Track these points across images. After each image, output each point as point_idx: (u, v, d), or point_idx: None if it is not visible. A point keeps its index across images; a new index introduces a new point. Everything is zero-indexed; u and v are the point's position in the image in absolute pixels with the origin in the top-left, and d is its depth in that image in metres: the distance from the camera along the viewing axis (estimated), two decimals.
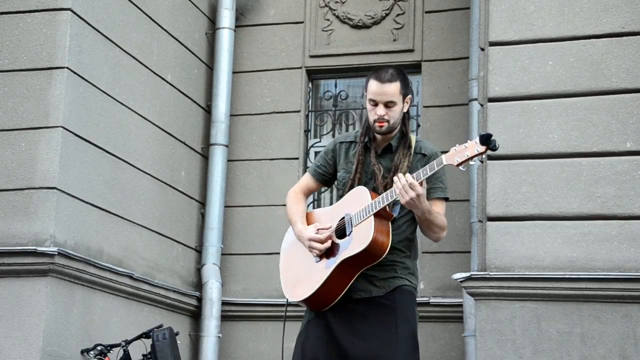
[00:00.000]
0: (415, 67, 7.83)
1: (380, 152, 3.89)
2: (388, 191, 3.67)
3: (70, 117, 6.16)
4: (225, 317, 7.65)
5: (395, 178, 3.62)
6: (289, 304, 4.02)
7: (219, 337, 7.56)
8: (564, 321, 5.50)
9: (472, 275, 5.77)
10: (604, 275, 5.47)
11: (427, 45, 7.78)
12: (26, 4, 6.23)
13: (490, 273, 5.64)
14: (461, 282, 5.81)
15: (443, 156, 3.59)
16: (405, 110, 3.91)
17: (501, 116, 5.83)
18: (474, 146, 3.53)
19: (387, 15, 7.92)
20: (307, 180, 4.10)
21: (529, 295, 5.57)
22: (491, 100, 5.88)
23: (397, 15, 7.90)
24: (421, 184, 3.59)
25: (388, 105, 3.81)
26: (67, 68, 6.14)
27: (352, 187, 3.84)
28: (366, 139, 3.91)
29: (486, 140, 3.48)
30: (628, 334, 5.40)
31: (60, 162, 6.03)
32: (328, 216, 3.88)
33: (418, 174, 3.61)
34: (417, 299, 7.25)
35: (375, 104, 3.81)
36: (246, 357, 7.71)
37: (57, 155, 6.02)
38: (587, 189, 5.62)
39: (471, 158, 3.54)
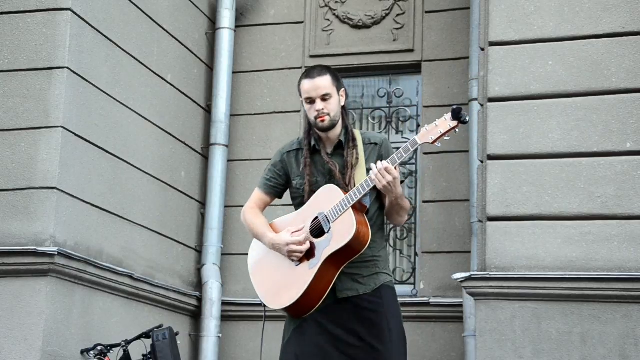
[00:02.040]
0: (415, 67, 7.83)
1: (332, 151, 3.93)
2: (362, 182, 3.71)
3: (70, 117, 6.16)
4: (225, 317, 7.65)
5: (372, 165, 3.68)
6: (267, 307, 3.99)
7: (219, 337, 7.56)
8: (564, 321, 5.50)
9: (472, 275, 5.77)
10: (604, 275, 5.47)
11: (427, 45, 7.78)
12: (26, 4, 6.23)
13: (490, 273, 5.64)
14: (461, 282, 5.81)
15: (416, 137, 3.67)
16: (342, 103, 3.94)
17: (501, 116, 5.83)
18: (445, 122, 3.62)
19: (387, 15, 7.93)
20: (258, 195, 4.11)
21: (529, 295, 5.57)
22: (491, 100, 5.88)
23: (397, 15, 7.90)
24: (396, 168, 3.65)
25: (324, 98, 3.85)
26: (67, 68, 6.14)
27: (312, 191, 3.86)
28: (312, 142, 3.94)
29: (457, 114, 3.57)
30: (628, 334, 5.40)
31: (60, 162, 6.03)
32: (296, 221, 3.89)
33: (392, 158, 3.67)
34: (417, 299, 7.38)
35: (312, 101, 3.86)
36: (246, 357, 7.71)
37: (57, 155, 6.02)
38: (587, 189, 5.62)
39: (445, 134, 3.63)
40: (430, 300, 7.32)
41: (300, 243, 3.79)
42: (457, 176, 7.47)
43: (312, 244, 3.79)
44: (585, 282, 5.50)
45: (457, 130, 3.63)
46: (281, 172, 4.03)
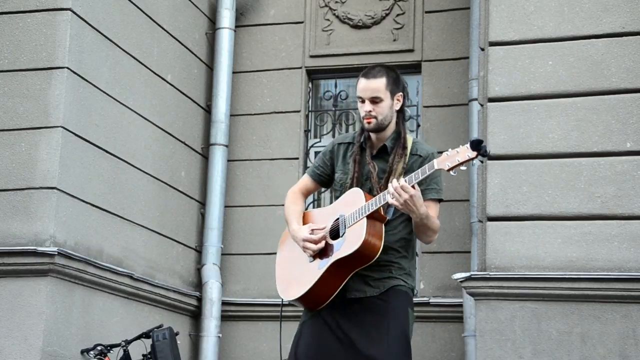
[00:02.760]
0: (415, 67, 7.83)
1: (375, 153, 3.90)
2: (381, 194, 3.68)
3: (70, 117, 6.16)
4: (225, 317, 7.65)
5: (392, 181, 3.62)
6: (284, 304, 4.03)
7: (219, 337, 7.56)
8: (564, 321, 5.50)
9: (472, 275, 5.77)
10: (604, 275, 5.47)
11: (427, 45, 7.78)
12: (26, 4, 6.23)
13: (490, 273, 5.64)
14: (461, 282, 5.81)
15: (435, 160, 3.60)
16: (396, 108, 3.89)
17: (501, 116, 5.83)
18: (465, 151, 3.54)
19: (387, 15, 7.93)
20: (305, 181, 4.12)
21: (529, 295, 5.57)
22: (491, 100, 5.88)
23: (397, 15, 7.90)
24: (413, 187, 3.59)
25: (374, 100, 3.82)
26: (67, 68, 6.14)
27: (349, 187, 3.85)
28: (362, 140, 3.92)
29: (477, 145, 3.50)
30: (628, 334, 5.40)
31: (60, 162, 6.03)
32: (324, 216, 3.89)
33: (410, 177, 3.63)
34: (417, 299, 7.37)
35: (363, 100, 3.84)
36: (246, 357, 7.71)
37: (57, 155, 6.02)
38: (587, 189, 5.62)
39: (462, 163, 3.55)
40: (430, 300, 7.32)
41: (315, 242, 3.80)
42: (457, 176, 7.41)
43: (327, 244, 3.80)
44: (585, 282, 5.50)
45: (474, 162, 3.60)
46: (329, 162, 4.03)
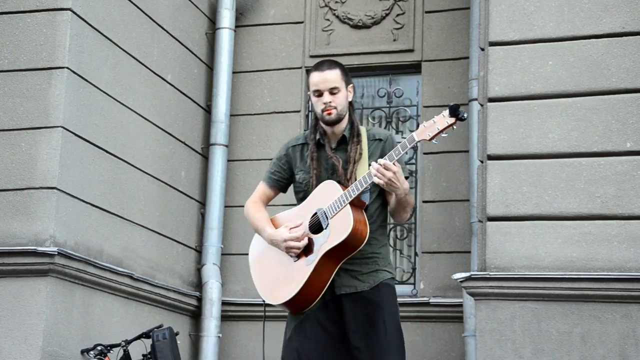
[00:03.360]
0: (415, 67, 7.83)
1: (335, 146, 3.94)
2: (360, 178, 3.72)
3: (70, 117, 6.16)
4: (225, 317, 7.65)
5: (372, 163, 3.67)
6: (267, 305, 4.01)
7: (219, 337, 7.56)
8: (564, 321, 5.50)
9: (472, 275, 5.77)
10: (604, 275, 5.47)
11: (427, 45, 7.78)
12: (26, 4, 6.23)
13: (490, 273, 5.64)
14: (461, 282, 5.81)
15: (413, 134, 3.66)
16: (350, 99, 3.96)
17: (501, 116, 5.83)
18: (442, 119, 3.62)
19: (387, 15, 7.93)
20: (263, 189, 4.13)
21: (529, 295, 5.57)
22: (491, 100, 5.88)
23: (397, 15, 7.90)
24: (394, 164, 3.65)
25: (332, 92, 3.88)
26: (67, 68, 6.14)
27: (314, 185, 3.88)
28: (317, 136, 3.95)
29: (455, 111, 3.57)
30: (628, 334, 5.40)
31: (60, 162, 6.03)
32: (296, 216, 3.90)
33: (390, 155, 3.67)
34: (417, 299, 7.37)
35: (320, 93, 3.88)
36: (246, 357, 7.71)
37: (57, 155, 6.02)
38: (587, 189, 5.62)
39: (442, 131, 3.62)
40: (430, 300, 7.32)
41: (298, 239, 3.81)
42: (457, 176, 7.47)
43: (310, 239, 3.80)
44: (585, 282, 5.50)
45: (454, 127, 3.64)
46: (285, 166, 4.05)
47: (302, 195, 3.96)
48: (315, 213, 3.81)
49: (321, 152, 3.95)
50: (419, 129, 3.66)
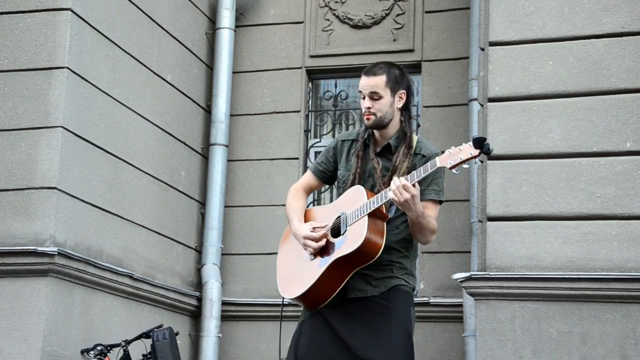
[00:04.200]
0: (415, 67, 7.83)
1: (379, 151, 3.88)
2: (382, 191, 3.65)
3: (70, 117, 6.16)
4: (225, 317, 7.65)
5: (394, 179, 3.60)
6: (285, 304, 4.00)
7: (219, 337, 7.56)
8: (564, 321, 5.50)
9: (472, 275, 5.77)
10: (604, 275, 5.47)
11: (427, 45, 7.78)
12: (26, 4, 6.23)
13: (490, 273, 5.64)
14: (461, 282, 5.81)
15: (437, 159, 3.57)
16: (398, 106, 3.88)
17: (501, 116, 5.83)
18: (467, 149, 3.51)
19: (387, 15, 7.93)
20: (308, 177, 4.09)
21: (529, 295, 5.57)
22: (491, 100, 5.88)
23: (397, 15, 7.90)
24: (414, 185, 3.57)
25: (372, 97, 3.81)
26: (67, 68, 6.14)
27: (352, 184, 3.83)
28: (365, 136, 3.90)
29: (480, 143, 3.47)
30: (628, 334, 5.40)
31: (60, 162, 6.03)
32: (326, 214, 3.87)
33: (412, 175, 3.60)
34: (417, 299, 7.36)
35: (363, 96, 3.83)
36: (246, 357, 7.71)
37: (57, 155, 6.02)
38: (587, 189, 5.62)
39: (464, 161, 3.52)
40: (430, 300, 7.32)
41: (316, 240, 3.77)
42: (457, 176, 7.39)
43: (328, 242, 3.77)
44: (585, 282, 5.50)
45: (477, 160, 3.57)
46: (332, 159, 4.00)
47: (340, 191, 3.92)
48: (339, 216, 3.78)
49: (365, 154, 3.88)
50: (443, 155, 3.56)
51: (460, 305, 7.05)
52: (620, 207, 5.54)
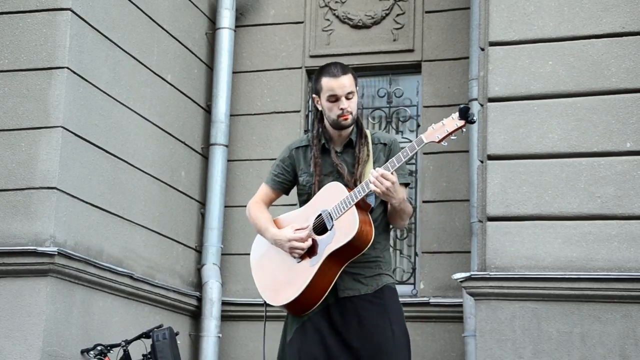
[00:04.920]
0: (415, 67, 7.83)
1: (341, 150, 3.91)
2: (363, 183, 3.68)
3: (70, 117, 6.16)
4: (225, 317, 7.65)
5: (371, 171, 3.64)
6: (268, 305, 3.97)
7: (219, 337, 7.56)
8: (564, 321, 5.50)
9: (472, 275, 5.77)
10: (604, 275, 5.47)
11: (427, 45, 7.78)
12: (26, 4, 6.23)
13: (490, 273, 5.64)
14: (461, 282, 5.81)
15: (422, 135, 3.62)
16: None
17: (501, 116, 5.83)
18: (452, 121, 3.58)
19: (387, 15, 7.93)
20: (265, 190, 4.09)
21: (529, 295, 5.57)
22: (491, 100, 5.88)
23: (397, 15, 7.90)
24: (393, 173, 3.62)
25: (348, 97, 3.83)
26: (67, 68, 6.14)
27: (316, 190, 3.84)
28: (323, 141, 3.92)
29: (465, 113, 3.53)
30: (628, 334, 5.40)
31: (60, 162, 6.03)
32: (300, 218, 3.87)
33: (398, 157, 3.63)
34: (417, 299, 7.38)
35: (337, 98, 3.82)
36: (246, 357, 7.71)
37: (57, 155, 6.02)
38: (587, 189, 5.62)
39: (451, 133, 3.58)
40: (430, 300, 7.32)
41: (303, 240, 3.77)
42: (457, 176, 7.47)
43: (314, 241, 3.76)
44: (585, 282, 5.50)
45: (464, 130, 3.60)
46: (289, 168, 4.01)
47: (305, 197, 3.93)
48: (320, 214, 3.78)
49: (325, 157, 3.91)
50: (428, 131, 3.61)
51: (460, 305, 7.05)
52: (620, 207, 5.54)
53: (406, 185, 3.88)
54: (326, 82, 3.84)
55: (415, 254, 7.63)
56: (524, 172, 5.74)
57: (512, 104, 5.83)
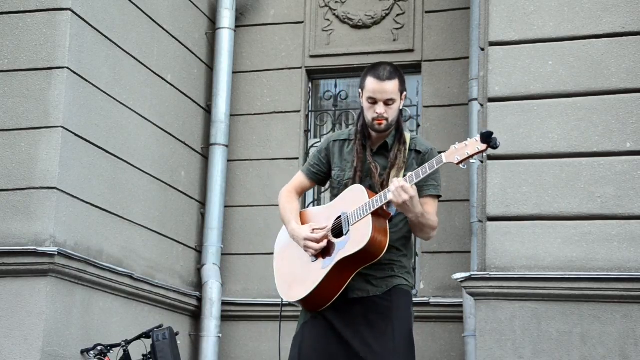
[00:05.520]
0: (415, 67, 7.83)
1: (375, 150, 3.87)
2: (383, 191, 3.64)
3: (70, 117, 6.16)
4: (225, 317, 7.65)
5: (392, 180, 3.60)
6: (284, 304, 3.97)
7: (219, 337, 7.56)
8: (564, 321, 5.50)
9: (472, 275, 5.77)
10: (604, 275, 5.47)
11: (427, 45, 7.78)
12: (26, 4, 6.23)
13: (490, 273, 5.64)
14: (461, 282, 5.81)
15: (443, 155, 3.56)
16: (401, 107, 3.86)
17: (501, 116, 5.83)
18: (474, 144, 3.50)
19: (387, 15, 7.93)
20: (300, 179, 4.05)
21: (529, 295, 5.57)
22: (491, 100, 5.88)
23: (397, 15, 7.90)
24: (413, 187, 3.57)
25: (387, 103, 3.76)
26: (67, 68, 6.14)
27: (351, 184, 3.81)
28: (361, 137, 3.87)
29: (487, 138, 3.45)
30: (628, 334, 5.40)
31: (60, 162, 6.03)
32: (323, 215, 3.85)
33: (417, 171, 3.59)
34: (417, 299, 7.37)
35: (374, 102, 3.76)
36: (246, 357, 7.72)
37: (57, 155, 6.02)
38: (587, 189, 5.62)
39: (472, 156, 3.50)
40: (430, 300, 7.32)
41: (317, 241, 3.75)
42: (457, 176, 7.47)
43: (330, 242, 3.75)
44: (585, 282, 5.50)
45: (484, 154, 3.55)
46: (325, 160, 3.97)
47: (335, 192, 3.89)
48: (340, 216, 3.75)
49: (364, 154, 3.86)
50: (449, 150, 3.54)
51: (460, 305, 7.05)
52: (620, 207, 5.54)
53: (437, 197, 3.83)
54: (369, 82, 3.76)
55: (415, 254, 7.63)
56: (524, 172, 5.74)
57: (512, 104, 5.83)
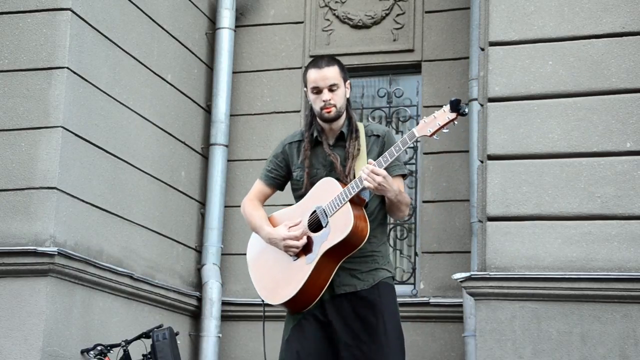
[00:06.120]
0: (415, 67, 7.83)
1: (333, 143, 3.90)
2: (356, 178, 3.67)
3: (70, 117, 6.16)
4: (225, 317, 7.65)
5: (363, 167, 3.64)
6: (267, 305, 3.96)
7: (219, 337, 7.56)
8: (564, 321, 5.50)
9: (472, 275, 5.77)
10: (604, 275, 5.47)
11: (427, 45, 7.78)
12: (26, 4, 6.24)
13: (490, 273, 5.64)
14: (461, 282, 5.81)
15: (414, 129, 3.63)
16: (347, 95, 3.93)
17: (501, 116, 5.83)
18: (443, 114, 3.62)
19: (387, 15, 7.93)
20: (259, 187, 4.07)
21: (529, 295, 5.57)
22: (491, 100, 5.88)
23: (397, 15, 7.90)
24: (384, 168, 3.62)
25: (332, 89, 3.83)
26: (67, 68, 6.14)
27: (312, 183, 3.83)
28: (314, 134, 3.91)
29: (456, 106, 3.56)
30: (628, 334, 5.40)
31: (60, 162, 6.03)
32: (295, 214, 3.85)
33: (390, 152, 3.63)
34: (417, 299, 7.37)
35: (319, 90, 3.83)
36: (246, 357, 7.72)
37: (57, 155, 6.02)
38: (587, 189, 5.62)
39: (443, 126, 3.61)
40: (430, 300, 7.32)
41: (297, 238, 3.76)
42: (457, 176, 7.47)
43: (309, 238, 3.75)
44: (585, 282, 5.50)
45: (455, 122, 3.61)
46: (282, 164, 3.99)
47: (299, 193, 3.91)
48: (314, 211, 3.77)
49: (318, 150, 3.89)
50: (420, 125, 3.62)
51: (460, 305, 7.05)
52: (620, 207, 5.54)
53: (403, 176, 3.87)
54: (310, 74, 3.86)
55: (415, 254, 7.63)
56: (524, 172, 5.74)
57: (512, 104, 5.83)
